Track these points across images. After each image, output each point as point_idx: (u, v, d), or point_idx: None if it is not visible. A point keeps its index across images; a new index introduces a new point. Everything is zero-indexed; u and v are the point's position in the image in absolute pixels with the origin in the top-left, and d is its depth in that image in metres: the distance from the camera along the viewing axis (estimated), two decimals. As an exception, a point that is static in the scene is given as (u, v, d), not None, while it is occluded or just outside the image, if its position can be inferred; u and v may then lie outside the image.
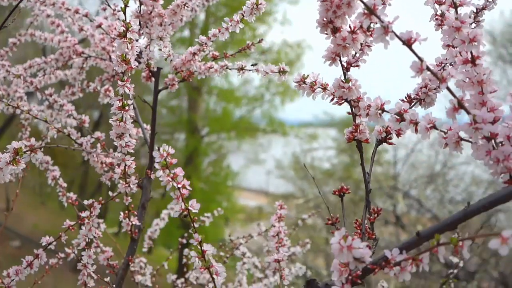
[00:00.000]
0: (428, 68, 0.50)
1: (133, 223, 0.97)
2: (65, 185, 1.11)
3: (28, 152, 0.67)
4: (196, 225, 0.66)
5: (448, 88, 0.51)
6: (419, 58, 0.51)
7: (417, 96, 0.68)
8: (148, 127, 1.11)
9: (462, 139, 0.55)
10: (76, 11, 1.10)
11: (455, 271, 1.14)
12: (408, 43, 0.51)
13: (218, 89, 12.17)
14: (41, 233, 0.99)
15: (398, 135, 0.67)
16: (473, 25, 0.72)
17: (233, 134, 12.13)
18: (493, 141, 0.53)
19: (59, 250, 1.12)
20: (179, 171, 0.63)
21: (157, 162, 0.61)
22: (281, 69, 0.85)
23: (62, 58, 1.20)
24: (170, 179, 0.62)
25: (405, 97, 0.69)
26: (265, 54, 10.00)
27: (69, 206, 1.09)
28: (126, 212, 0.96)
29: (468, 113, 0.51)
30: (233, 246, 1.35)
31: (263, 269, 1.43)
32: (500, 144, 0.52)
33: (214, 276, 0.64)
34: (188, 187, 0.63)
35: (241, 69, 0.97)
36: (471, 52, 0.54)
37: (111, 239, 1.30)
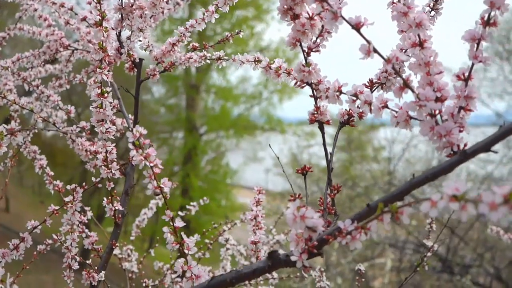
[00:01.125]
0: (375, 50, 0.54)
1: (116, 208, 1.01)
2: (52, 173, 1.14)
3: (8, 136, 0.70)
4: (164, 202, 0.70)
5: (394, 69, 0.55)
6: (367, 41, 0.54)
7: (379, 81, 0.72)
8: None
9: (411, 117, 0.58)
10: (62, 5, 1.14)
11: (429, 254, 1.18)
12: (356, 27, 0.54)
13: (216, 87, 12.21)
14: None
15: (360, 117, 0.71)
16: (433, 12, 0.76)
17: (232, 132, 12.17)
18: (439, 117, 0.57)
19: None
20: (151, 151, 0.67)
21: (130, 142, 0.65)
22: (256, 59, 0.88)
23: (49, 51, 1.24)
24: (143, 158, 0.66)
25: (367, 82, 0.73)
26: (263, 52, 10.04)
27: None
28: (110, 197, 1.00)
29: (413, 92, 0.55)
30: (217, 234, 1.39)
31: (248, 257, 1.47)
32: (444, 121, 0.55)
33: (186, 251, 0.68)
34: (160, 166, 0.67)
35: (218, 59, 1.01)
36: (419, 36, 0.57)
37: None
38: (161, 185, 0.68)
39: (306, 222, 0.54)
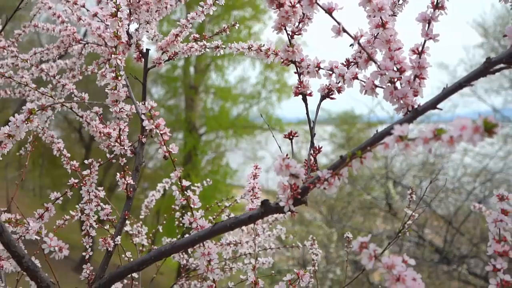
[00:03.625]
0: (344, 30, 0.67)
1: (128, 182, 1.13)
2: (68, 155, 1.27)
3: (40, 111, 0.83)
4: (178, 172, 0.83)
5: (359, 44, 0.67)
6: (338, 22, 0.67)
7: (354, 60, 0.84)
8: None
9: (376, 85, 0.71)
10: (75, 3, 1.26)
11: (410, 222, 1.30)
12: (329, 11, 0.67)
13: (215, 88, 12.33)
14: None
15: (338, 91, 0.83)
16: (401, 1, 0.88)
17: (231, 132, 12.28)
18: (398, 84, 0.69)
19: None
20: (161, 121, 0.79)
21: (143, 114, 0.78)
22: (250, 46, 1.01)
23: (63, 45, 1.36)
24: (154, 127, 0.79)
25: (345, 61, 0.85)
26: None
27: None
28: (122, 173, 1.13)
29: (376, 63, 0.67)
30: (219, 210, 1.51)
31: (249, 234, 1.59)
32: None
33: (192, 205, 0.81)
34: (169, 134, 0.79)
35: (217, 47, 1.13)
36: (381, 18, 0.70)
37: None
38: (170, 149, 0.80)
39: (290, 170, 0.66)
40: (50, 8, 1.36)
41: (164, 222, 1.64)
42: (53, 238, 0.79)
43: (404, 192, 7.14)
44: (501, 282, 0.62)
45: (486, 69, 0.61)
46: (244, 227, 1.60)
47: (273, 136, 1.04)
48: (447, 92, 0.63)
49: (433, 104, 0.63)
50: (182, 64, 11.47)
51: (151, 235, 1.51)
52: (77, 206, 1.28)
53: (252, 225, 1.42)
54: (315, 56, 0.76)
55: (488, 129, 0.44)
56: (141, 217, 1.55)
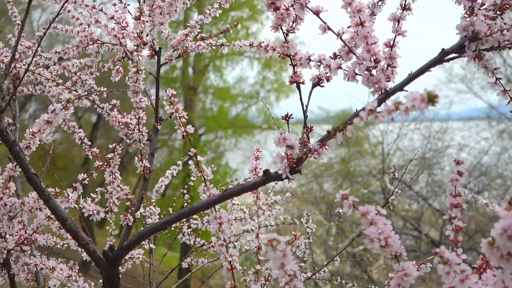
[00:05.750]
0: (329, 28, 0.82)
1: (145, 164, 1.29)
2: (89, 143, 1.42)
3: (77, 100, 0.98)
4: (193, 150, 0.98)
5: (342, 40, 0.83)
6: (324, 22, 0.83)
7: (339, 53, 1.00)
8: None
9: (356, 73, 0.86)
10: (93, 7, 1.42)
11: (394, 197, 1.45)
12: (317, 13, 0.83)
13: (213, 88, 12.49)
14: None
15: (327, 80, 0.98)
16: (380, 2, 1.04)
17: (230, 132, 12.43)
18: (374, 72, 0.85)
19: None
20: (180, 106, 0.95)
21: (165, 100, 0.93)
22: (251, 43, 1.16)
23: (82, 45, 1.51)
24: (174, 111, 0.94)
25: (332, 54, 1.01)
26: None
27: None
28: (140, 156, 1.28)
29: (355, 54, 0.83)
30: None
31: (250, 215, 1.75)
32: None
33: (205, 176, 0.96)
34: (186, 117, 0.95)
35: (221, 45, 1.29)
36: (360, 18, 0.85)
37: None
38: (187, 130, 0.96)
39: (286, 142, 0.81)
40: (69, 11, 1.51)
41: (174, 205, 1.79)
42: (91, 204, 0.94)
43: (402, 187, 7.32)
44: (455, 228, 0.78)
45: (441, 58, 0.77)
46: (246, 210, 1.76)
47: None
48: (411, 77, 0.78)
49: (400, 87, 0.79)
50: (180, 65, 11.62)
51: (162, 215, 1.67)
52: (96, 189, 1.44)
53: (254, 207, 1.57)
54: (306, 50, 0.92)
55: (431, 99, 0.59)
56: (152, 201, 1.71)
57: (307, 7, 0.82)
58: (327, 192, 8.66)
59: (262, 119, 12.28)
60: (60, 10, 1.11)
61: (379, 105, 0.81)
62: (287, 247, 0.68)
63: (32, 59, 1.34)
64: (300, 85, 0.97)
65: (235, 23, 1.32)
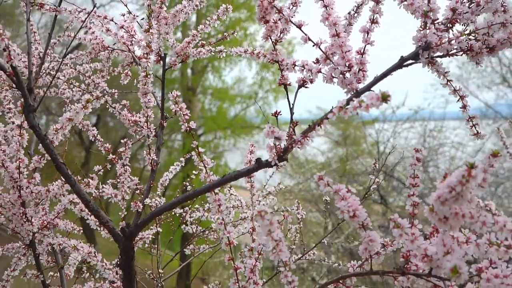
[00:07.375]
0: (309, 39, 0.99)
1: (153, 158, 1.45)
2: (101, 139, 1.58)
3: (95, 100, 1.14)
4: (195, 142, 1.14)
5: (320, 48, 1.00)
6: (305, 33, 0.99)
7: (320, 59, 1.16)
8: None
9: (333, 76, 1.03)
10: (105, 17, 1.58)
11: (375, 186, 1.61)
12: (299, 26, 0.99)
13: (212, 89, 12.65)
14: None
15: (311, 82, 1.15)
16: (356, 14, 1.20)
17: (229, 132, 12.58)
18: (348, 75, 1.01)
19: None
20: (184, 104, 1.11)
21: (170, 100, 1.09)
22: (246, 50, 1.32)
23: (94, 51, 1.68)
24: (178, 109, 1.10)
25: (315, 59, 1.17)
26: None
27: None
28: (148, 150, 1.44)
29: (331, 61, 1.00)
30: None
31: (247, 206, 1.91)
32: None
33: (206, 165, 1.12)
34: (188, 114, 1.11)
35: (220, 51, 1.45)
36: (335, 30, 1.02)
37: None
38: (190, 126, 1.12)
39: (274, 134, 0.98)
40: (83, 21, 1.67)
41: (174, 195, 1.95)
42: (110, 188, 1.11)
43: (397, 185, 7.50)
44: (413, 203, 0.94)
45: (401, 63, 0.93)
46: (243, 200, 1.92)
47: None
48: (376, 80, 0.95)
49: (367, 87, 0.96)
50: (179, 66, 11.77)
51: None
52: (108, 181, 1.60)
53: (250, 197, 1.73)
54: (292, 56, 1.08)
55: (384, 98, 0.76)
56: (157, 193, 1.87)
57: (291, 22, 0.99)
58: (325, 192, 8.79)
59: (260, 119, 12.45)
60: (81, 25, 1.27)
61: (347, 103, 0.97)
62: (274, 217, 0.85)
63: (50, 64, 1.50)
64: (288, 86, 1.13)
65: (232, 32, 1.48)
